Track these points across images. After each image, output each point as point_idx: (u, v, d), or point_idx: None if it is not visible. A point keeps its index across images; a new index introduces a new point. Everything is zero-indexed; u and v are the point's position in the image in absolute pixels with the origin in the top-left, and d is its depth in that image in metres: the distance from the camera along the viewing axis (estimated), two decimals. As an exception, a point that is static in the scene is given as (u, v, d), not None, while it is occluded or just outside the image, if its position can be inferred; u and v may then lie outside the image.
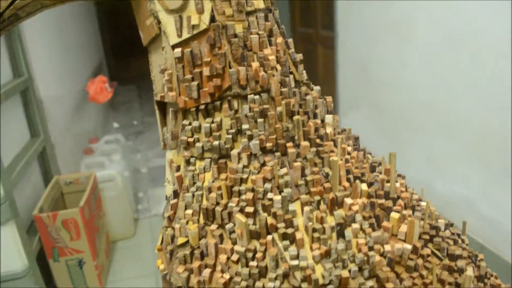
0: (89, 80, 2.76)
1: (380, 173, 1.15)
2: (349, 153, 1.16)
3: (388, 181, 1.13)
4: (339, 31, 3.51)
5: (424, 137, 2.82)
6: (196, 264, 1.05)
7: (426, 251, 1.04)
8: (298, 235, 0.96)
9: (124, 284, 2.39)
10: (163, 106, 1.20)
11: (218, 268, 1.04)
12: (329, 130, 1.14)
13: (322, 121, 1.16)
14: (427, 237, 1.07)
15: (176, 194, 1.13)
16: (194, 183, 1.09)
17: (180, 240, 1.08)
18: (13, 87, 2.30)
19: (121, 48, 5.22)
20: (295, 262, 0.95)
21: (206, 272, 1.03)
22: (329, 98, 1.20)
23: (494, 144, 2.39)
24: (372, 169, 1.17)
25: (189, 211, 1.08)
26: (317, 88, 1.19)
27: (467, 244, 1.18)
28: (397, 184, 1.14)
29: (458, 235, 1.17)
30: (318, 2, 3.71)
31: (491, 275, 1.17)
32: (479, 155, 2.50)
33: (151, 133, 3.50)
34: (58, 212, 2.28)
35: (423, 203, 1.17)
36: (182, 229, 1.08)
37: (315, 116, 1.14)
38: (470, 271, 0.96)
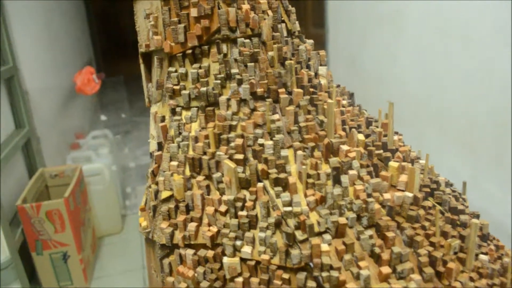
0: (77, 72, 2.70)
1: (377, 127, 1.09)
2: (344, 106, 1.10)
3: (385, 135, 1.07)
4: (329, 28, 3.49)
5: (414, 130, 2.78)
6: (181, 218, 0.97)
7: (428, 203, 0.97)
8: (291, 180, 0.89)
9: (110, 280, 2.28)
10: (148, 58, 1.14)
11: (205, 221, 0.96)
12: (323, 81, 1.08)
13: (316, 74, 1.10)
14: (428, 190, 1.00)
15: (160, 146, 1.06)
16: (180, 133, 1.02)
17: (164, 194, 1.01)
18: (-3, 75, 2.23)
19: (110, 47, 5.19)
20: (288, 209, 0.87)
21: (192, 226, 0.95)
22: (322, 52, 1.14)
23: (484, 135, 2.35)
24: (368, 123, 1.11)
25: (174, 163, 1.00)
26: (310, 41, 1.14)
27: (467, 206, 1.12)
28: (395, 138, 1.08)
29: (459, 194, 1.11)
30: (309, 1, 3.71)
31: (493, 238, 1.10)
32: (468, 146, 2.46)
33: (140, 132, 3.43)
34: (42, 203, 2.18)
35: (422, 161, 1.11)
36: (166, 182, 1.00)
37: (308, 67, 1.09)
38: (475, 221, 0.89)
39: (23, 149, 2.54)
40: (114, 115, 2.94)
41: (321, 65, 1.12)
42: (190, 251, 0.96)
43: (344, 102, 1.10)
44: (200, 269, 0.95)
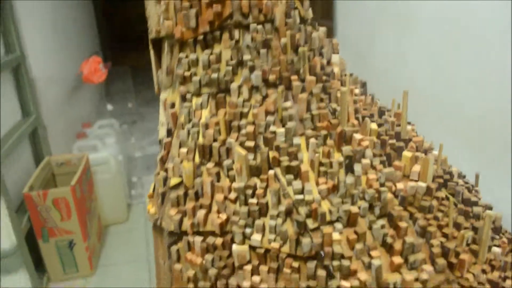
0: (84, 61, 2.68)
1: (390, 116, 1.08)
2: (356, 95, 1.08)
3: (398, 125, 1.05)
4: (338, 21, 3.45)
5: (421, 127, 2.75)
6: (190, 205, 0.96)
7: (441, 194, 0.96)
8: (303, 168, 0.88)
9: (116, 268, 2.28)
10: (158, 45, 1.12)
11: (214, 208, 0.95)
12: (336, 69, 1.06)
13: (328, 62, 1.09)
14: (441, 180, 0.99)
15: (170, 133, 1.05)
16: (190, 120, 1.01)
17: (173, 181, 1.00)
18: (4, 63, 2.22)
19: (117, 38, 5.17)
20: (300, 197, 0.86)
21: (201, 213, 0.95)
22: (335, 41, 1.12)
23: (493, 134, 2.33)
24: (381, 113, 1.09)
25: (184, 149, 0.99)
26: (323, 29, 1.12)
27: (480, 198, 1.10)
28: (409, 127, 1.07)
29: (472, 186, 1.09)
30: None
31: (506, 231, 1.09)
32: (477, 145, 2.44)
33: (146, 122, 3.42)
34: (49, 191, 2.18)
35: (435, 152, 1.09)
36: (175, 169, 1.00)
37: (321, 55, 1.07)
38: (490, 212, 0.88)
39: (30, 137, 2.54)
40: (121, 104, 2.93)
41: (333, 53, 1.10)
42: (198, 238, 0.96)
43: (357, 91, 1.08)
44: (209, 257, 0.94)
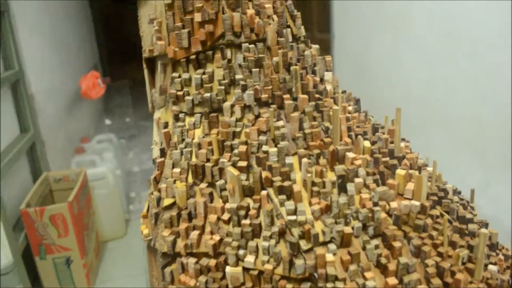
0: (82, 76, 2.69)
1: (383, 133, 1.07)
2: (349, 113, 1.08)
3: (392, 142, 1.05)
4: (335, 33, 3.47)
5: (420, 134, 2.75)
6: (183, 226, 0.95)
7: (435, 212, 0.95)
8: (296, 188, 0.88)
9: (114, 284, 2.26)
10: (151, 64, 1.12)
11: (208, 229, 0.94)
12: (328, 87, 1.06)
13: (321, 80, 1.09)
14: (435, 198, 0.98)
15: (163, 153, 1.05)
16: (183, 139, 1.01)
17: (167, 202, 0.99)
18: (3, 79, 2.23)
19: (116, 52, 5.20)
20: (293, 217, 0.86)
21: (194, 234, 0.94)
22: (328, 58, 1.12)
23: (492, 138, 2.32)
24: (375, 130, 1.09)
25: (177, 170, 0.99)
26: (315, 46, 1.12)
27: (475, 215, 1.09)
28: (402, 145, 1.06)
29: (467, 202, 1.09)
30: (314, 4, 3.69)
31: (503, 247, 1.08)
32: (477, 150, 2.43)
33: (145, 136, 3.42)
34: (46, 207, 2.17)
35: (429, 168, 1.08)
36: (168, 189, 0.99)
37: (313, 73, 1.07)
38: (484, 230, 0.87)
39: (28, 152, 2.54)
40: (119, 119, 2.93)
41: (327, 70, 1.10)
42: (192, 260, 0.95)
43: (350, 108, 1.08)
44: (202, 278, 0.93)
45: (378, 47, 3.10)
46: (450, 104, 2.61)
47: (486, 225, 1.06)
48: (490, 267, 0.93)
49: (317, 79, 1.06)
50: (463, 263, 0.90)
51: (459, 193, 1.11)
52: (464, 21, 2.42)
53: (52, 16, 3.01)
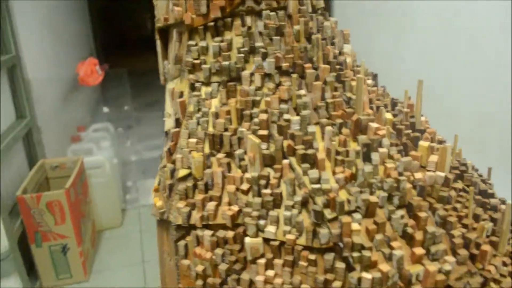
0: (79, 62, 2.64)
1: (403, 108, 1.05)
2: (369, 86, 1.06)
3: (412, 116, 1.03)
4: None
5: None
6: (199, 197, 0.92)
7: (458, 185, 0.93)
8: (320, 156, 0.85)
9: (110, 273, 2.22)
10: (164, 34, 1.09)
11: (225, 200, 0.91)
12: (348, 59, 1.04)
13: (340, 52, 1.06)
14: (457, 172, 0.96)
15: (178, 123, 1.01)
16: (199, 109, 0.98)
17: (182, 172, 0.96)
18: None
19: (112, 42, 5.16)
20: (317, 186, 0.83)
21: (211, 205, 0.91)
22: (346, 31, 1.10)
23: (492, 134, 2.32)
24: (394, 104, 1.07)
25: (193, 139, 0.96)
26: (334, 19, 1.10)
27: (494, 192, 1.07)
28: (422, 118, 1.04)
29: (486, 179, 1.07)
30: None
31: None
32: (477, 145, 2.43)
33: (142, 127, 3.37)
34: (43, 194, 2.12)
35: (448, 144, 1.06)
36: (184, 160, 0.96)
37: (333, 45, 1.05)
38: (509, 201, 0.85)
39: (24, 139, 2.48)
40: (117, 107, 2.88)
41: (345, 43, 1.08)
42: (208, 232, 0.92)
43: (369, 81, 1.06)
44: (219, 251, 0.90)
45: (379, 46, 3.10)
46: (450, 100, 2.61)
47: (503, 202, 1.04)
48: (514, 241, 0.91)
49: (336, 51, 1.03)
50: (487, 236, 0.88)
51: (477, 170, 1.09)
52: (464, 18, 2.42)
53: (49, 5, 2.95)
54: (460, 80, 2.53)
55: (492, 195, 0.97)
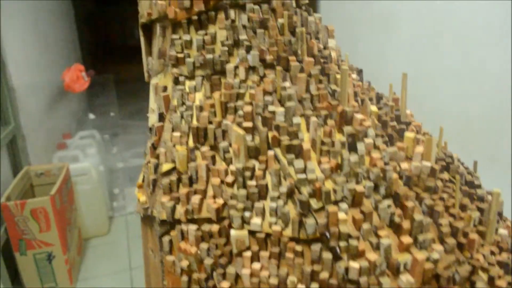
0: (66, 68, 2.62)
1: (388, 101, 1.05)
2: (353, 80, 1.05)
3: (397, 110, 1.03)
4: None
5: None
6: (183, 191, 0.91)
7: (444, 176, 0.93)
8: (305, 146, 0.84)
9: (96, 281, 2.17)
10: (148, 31, 1.08)
11: (210, 193, 0.90)
12: (333, 54, 1.04)
13: (325, 47, 1.06)
14: (443, 163, 0.96)
15: (161, 118, 1.00)
16: (183, 103, 0.97)
17: (166, 167, 0.94)
18: (-17, 68, 2.16)
19: (98, 51, 5.13)
20: (302, 176, 0.82)
21: (195, 199, 0.89)
22: (331, 27, 1.10)
23: (478, 134, 2.35)
24: (379, 98, 1.07)
25: (177, 133, 0.94)
26: (318, 15, 1.10)
27: (480, 183, 1.07)
28: (407, 111, 1.04)
29: (472, 172, 1.07)
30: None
31: (506, 218, 1.06)
32: (463, 146, 2.45)
33: (128, 135, 3.34)
34: (27, 201, 2.08)
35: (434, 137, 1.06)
36: (168, 154, 0.94)
37: (317, 39, 1.05)
38: (497, 190, 0.85)
39: (8, 146, 2.44)
40: (103, 114, 2.86)
41: (329, 38, 1.08)
42: (193, 227, 0.90)
43: (354, 76, 1.06)
44: (204, 245, 0.88)
45: (365, 47, 3.12)
46: (436, 100, 2.63)
47: (490, 194, 1.04)
48: (501, 231, 0.91)
49: (321, 45, 1.03)
50: (474, 226, 0.88)
51: (463, 163, 1.09)
52: (449, 19, 2.45)
53: (34, 9, 2.93)
54: (447, 80, 2.55)
55: (479, 186, 0.97)
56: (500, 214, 0.99)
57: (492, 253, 0.86)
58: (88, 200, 2.54)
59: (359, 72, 1.12)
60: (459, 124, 2.52)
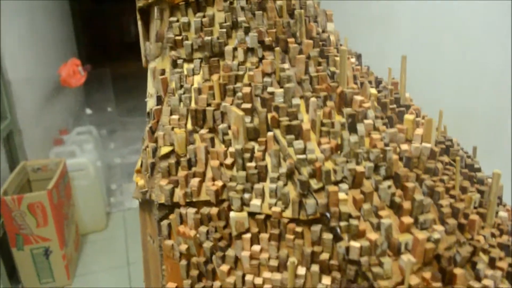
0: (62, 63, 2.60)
1: (388, 85, 1.04)
2: (352, 64, 1.05)
3: (396, 93, 1.02)
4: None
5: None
6: (182, 174, 0.90)
7: (444, 159, 0.92)
8: (305, 126, 0.83)
9: (94, 277, 2.16)
10: (146, 15, 1.07)
11: (209, 175, 0.89)
12: (332, 37, 1.03)
13: (323, 31, 1.06)
14: (443, 146, 0.96)
15: (160, 101, 0.99)
16: (181, 86, 0.96)
17: (164, 150, 0.93)
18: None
19: (95, 47, 5.13)
20: (302, 156, 0.81)
21: (194, 181, 0.88)
22: (329, 11, 1.10)
23: (477, 131, 2.35)
24: (378, 83, 1.06)
25: (175, 116, 0.94)
26: (317, 0, 1.09)
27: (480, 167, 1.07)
28: (407, 95, 1.04)
29: (471, 156, 1.06)
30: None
31: (505, 204, 1.05)
32: (462, 142, 2.46)
33: (126, 132, 3.33)
34: (24, 195, 2.06)
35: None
36: (166, 137, 0.93)
37: (316, 23, 1.04)
38: (497, 170, 0.85)
39: (5, 141, 2.43)
40: (100, 109, 2.85)
41: (328, 22, 1.07)
42: (191, 210, 0.89)
43: (353, 60, 1.05)
44: (203, 229, 0.88)
45: (365, 47, 3.12)
46: (436, 100, 2.63)
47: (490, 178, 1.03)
48: (501, 213, 0.90)
49: (320, 29, 1.02)
50: (475, 207, 0.87)
51: (462, 148, 1.08)
52: (449, 18, 2.45)
53: (30, 6, 2.92)
54: (446, 78, 2.55)
55: (478, 170, 0.96)
56: (500, 199, 0.98)
57: (493, 235, 0.85)
58: (85, 196, 2.53)
59: (358, 56, 1.11)
60: (459, 123, 2.52)
